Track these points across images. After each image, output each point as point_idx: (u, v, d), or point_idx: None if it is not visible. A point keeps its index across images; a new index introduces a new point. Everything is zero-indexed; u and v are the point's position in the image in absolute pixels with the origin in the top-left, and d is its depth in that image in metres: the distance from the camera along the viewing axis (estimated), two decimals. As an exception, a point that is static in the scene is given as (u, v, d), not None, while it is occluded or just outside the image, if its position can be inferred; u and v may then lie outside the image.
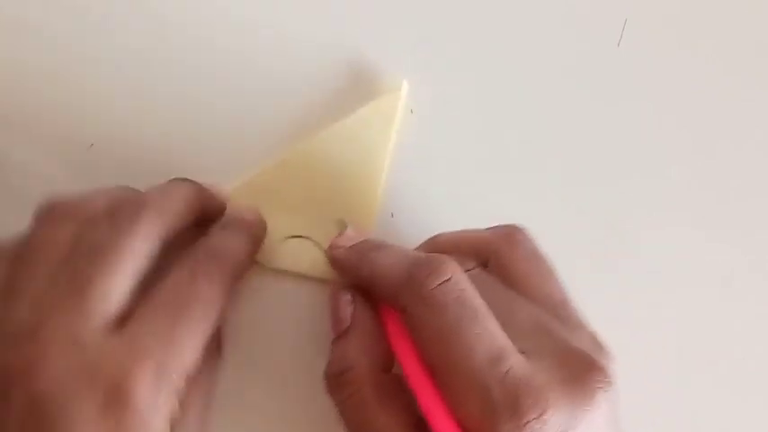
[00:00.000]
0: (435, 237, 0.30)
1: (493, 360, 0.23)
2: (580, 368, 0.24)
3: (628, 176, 0.33)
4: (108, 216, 0.26)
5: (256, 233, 0.30)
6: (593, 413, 0.23)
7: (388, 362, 0.27)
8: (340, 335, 0.27)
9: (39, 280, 0.25)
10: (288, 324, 0.31)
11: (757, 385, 0.32)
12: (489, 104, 0.33)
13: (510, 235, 0.28)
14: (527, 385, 0.23)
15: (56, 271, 0.25)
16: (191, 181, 0.29)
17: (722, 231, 0.33)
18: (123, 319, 0.24)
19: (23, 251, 0.26)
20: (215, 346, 0.28)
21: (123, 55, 0.33)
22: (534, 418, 0.22)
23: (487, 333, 0.24)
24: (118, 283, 0.25)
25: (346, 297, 0.28)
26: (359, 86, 0.33)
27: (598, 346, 0.26)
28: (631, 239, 0.33)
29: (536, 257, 0.28)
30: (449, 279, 0.25)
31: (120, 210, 0.26)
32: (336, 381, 0.26)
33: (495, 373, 0.23)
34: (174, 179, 0.29)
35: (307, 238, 0.31)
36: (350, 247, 0.28)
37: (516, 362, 0.23)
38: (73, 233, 0.26)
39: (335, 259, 0.29)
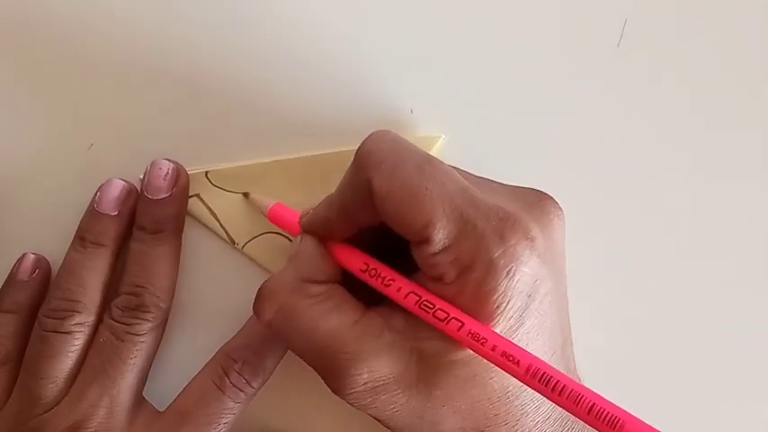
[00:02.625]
0: (324, 201, 0.29)
1: (464, 189, 0.25)
2: (534, 199, 0.27)
3: (627, 176, 0.33)
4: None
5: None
6: (556, 234, 0.26)
7: (317, 276, 0.27)
8: None
9: None
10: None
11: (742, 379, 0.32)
12: (488, 104, 0.33)
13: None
14: (502, 210, 0.25)
15: None
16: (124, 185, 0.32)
17: (722, 231, 0.33)
18: None
19: None
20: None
21: (124, 55, 0.33)
22: (522, 239, 0.24)
23: (449, 172, 0.25)
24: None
25: (297, 238, 0.29)
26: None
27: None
28: (630, 239, 0.33)
29: None
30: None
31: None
32: (260, 303, 0.27)
33: (470, 202, 0.25)
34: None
35: (286, 237, 0.32)
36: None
37: (482, 195, 0.25)
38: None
39: (310, 223, 0.29)
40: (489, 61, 0.33)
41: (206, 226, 0.32)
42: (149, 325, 0.30)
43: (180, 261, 0.32)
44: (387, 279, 0.26)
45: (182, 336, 0.33)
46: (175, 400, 0.31)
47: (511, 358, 0.24)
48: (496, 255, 0.24)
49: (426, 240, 0.25)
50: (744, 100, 0.33)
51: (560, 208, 0.27)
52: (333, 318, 0.26)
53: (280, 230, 0.32)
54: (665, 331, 0.33)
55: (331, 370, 0.26)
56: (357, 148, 0.26)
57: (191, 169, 0.32)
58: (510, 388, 0.26)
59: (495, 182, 0.28)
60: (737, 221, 0.33)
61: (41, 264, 0.32)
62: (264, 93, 0.33)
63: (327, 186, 0.31)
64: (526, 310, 0.25)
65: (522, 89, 0.33)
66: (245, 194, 0.32)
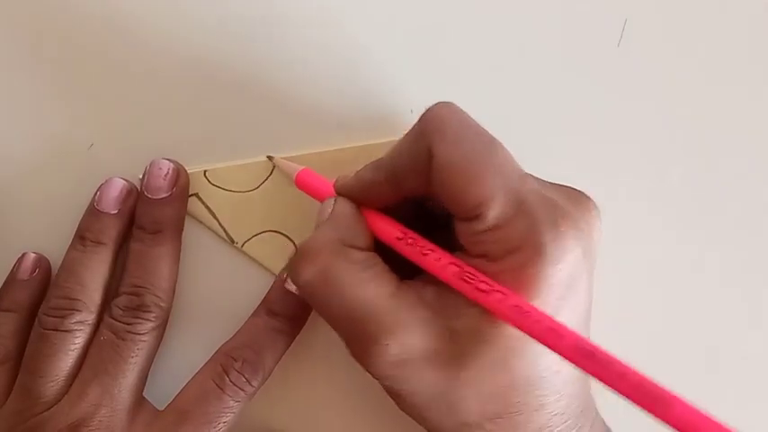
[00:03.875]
0: (368, 166, 0.28)
1: (521, 174, 0.25)
2: (577, 196, 0.27)
3: (627, 176, 0.33)
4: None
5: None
6: (596, 233, 0.26)
7: (358, 242, 0.27)
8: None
9: None
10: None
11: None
12: (488, 104, 0.33)
13: None
14: (554, 200, 0.25)
15: None
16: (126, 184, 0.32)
17: (722, 231, 0.33)
18: None
19: None
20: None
21: (124, 55, 0.33)
22: (572, 228, 0.24)
23: (510, 155, 0.26)
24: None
25: (328, 202, 0.28)
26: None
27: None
28: (630, 239, 0.33)
29: None
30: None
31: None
32: (297, 262, 0.26)
33: (526, 187, 0.25)
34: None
35: (285, 235, 0.32)
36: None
37: (536, 183, 0.25)
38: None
39: (349, 186, 0.28)
40: (489, 61, 0.33)
41: (205, 225, 0.33)
42: (151, 324, 0.30)
43: (180, 260, 0.32)
44: (426, 248, 0.26)
45: (181, 335, 0.33)
46: (175, 398, 0.31)
47: (556, 333, 0.23)
48: (547, 239, 0.24)
49: (478, 216, 0.24)
50: (744, 100, 0.33)
51: (598, 209, 0.27)
52: (371, 287, 0.25)
53: (279, 228, 0.32)
54: (659, 329, 0.33)
55: (361, 338, 0.25)
56: (422, 114, 0.26)
57: (189, 169, 0.32)
58: (533, 378, 0.25)
59: (538, 178, 0.28)
60: (738, 220, 0.33)
61: (42, 263, 0.32)
62: (264, 92, 0.33)
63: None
64: (563, 301, 0.24)
65: (522, 89, 0.33)
66: (269, 157, 0.32)
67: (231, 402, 0.30)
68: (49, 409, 0.29)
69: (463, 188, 0.24)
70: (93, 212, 0.31)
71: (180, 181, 0.31)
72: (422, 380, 0.25)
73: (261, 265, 0.32)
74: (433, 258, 0.25)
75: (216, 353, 0.31)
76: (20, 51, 0.33)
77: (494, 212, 0.24)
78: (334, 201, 0.28)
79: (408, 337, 0.25)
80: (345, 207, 0.27)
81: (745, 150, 0.33)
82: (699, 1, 0.33)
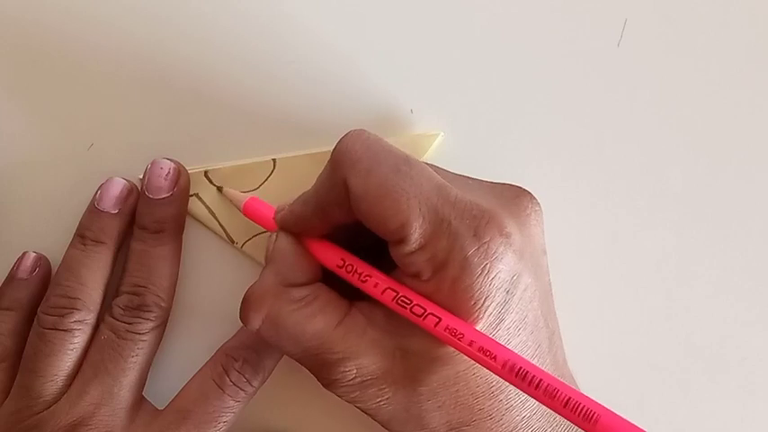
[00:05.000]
0: (300, 198, 0.29)
1: (439, 188, 0.25)
2: (510, 195, 0.27)
3: (627, 176, 0.33)
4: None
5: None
6: (534, 228, 0.27)
7: (299, 278, 0.27)
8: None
9: None
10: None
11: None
12: (488, 104, 0.33)
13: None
14: (477, 207, 0.25)
15: None
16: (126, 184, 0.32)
17: (722, 230, 0.33)
18: None
19: None
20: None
21: (124, 54, 0.33)
22: (496, 235, 0.25)
23: (425, 171, 0.25)
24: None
25: (272, 236, 0.29)
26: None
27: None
28: (630, 238, 0.33)
29: None
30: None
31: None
32: (246, 312, 0.27)
33: (445, 200, 0.25)
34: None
35: None
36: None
37: (458, 192, 0.25)
38: None
39: (285, 220, 0.29)
40: (489, 61, 0.33)
41: (205, 225, 0.33)
42: (151, 324, 0.30)
43: (180, 260, 0.32)
44: (363, 275, 0.27)
45: (181, 335, 0.33)
46: (175, 398, 0.31)
47: (488, 353, 0.24)
48: (470, 252, 0.24)
49: (402, 240, 0.25)
50: (744, 100, 0.33)
51: (538, 203, 0.27)
52: (318, 320, 0.26)
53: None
54: (651, 329, 0.33)
55: (321, 368, 0.26)
56: (335, 146, 0.26)
57: (190, 169, 0.32)
58: (494, 383, 0.26)
59: (473, 179, 0.29)
60: (736, 222, 0.33)
61: (42, 263, 0.32)
62: (264, 92, 0.33)
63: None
64: (505, 306, 0.25)
65: (522, 89, 0.33)
66: (219, 188, 0.32)
67: (231, 402, 0.30)
68: (49, 408, 0.29)
69: (381, 216, 0.25)
70: (93, 212, 0.31)
71: (181, 181, 0.32)
72: (384, 398, 0.26)
73: (261, 265, 0.32)
74: (372, 284, 0.26)
75: (216, 353, 0.31)
76: (20, 51, 0.33)
77: (415, 234, 0.25)
78: (276, 236, 0.28)
79: (361, 360, 0.26)
80: (284, 243, 0.28)
81: (745, 150, 0.33)
82: (699, 1, 0.33)
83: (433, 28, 0.33)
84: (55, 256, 0.32)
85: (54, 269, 0.32)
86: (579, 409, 0.23)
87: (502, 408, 0.26)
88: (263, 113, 0.33)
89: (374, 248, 0.27)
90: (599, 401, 0.23)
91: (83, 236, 0.31)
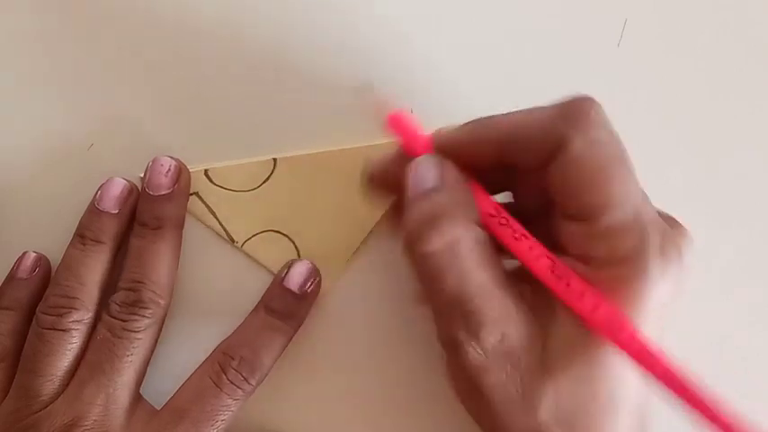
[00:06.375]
0: (481, 121, 0.26)
1: (644, 192, 0.25)
2: (678, 226, 0.26)
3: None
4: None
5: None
6: (688, 258, 0.25)
7: (476, 218, 0.25)
8: (420, 195, 0.25)
9: None
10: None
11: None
12: (488, 104, 0.33)
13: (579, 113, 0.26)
14: (664, 225, 0.25)
15: None
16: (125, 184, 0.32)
17: (722, 231, 0.33)
18: None
19: None
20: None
21: (123, 54, 0.33)
22: (676, 258, 0.24)
23: (634, 174, 0.25)
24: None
25: (432, 159, 0.26)
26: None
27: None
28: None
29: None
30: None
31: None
32: (428, 229, 0.24)
33: (647, 205, 0.24)
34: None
35: (285, 235, 0.32)
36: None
37: (650, 204, 0.25)
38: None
39: (453, 138, 0.26)
40: (489, 61, 0.33)
41: (205, 224, 0.33)
42: (147, 321, 0.30)
43: (179, 258, 0.32)
44: (519, 233, 0.24)
45: (180, 333, 0.33)
46: (173, 397, 0.30)
47: (649, 353, 0.22)
48: (654, 262, 0.24)
49: (594, 218, 0.24)
50: (744, 100, 0.33)
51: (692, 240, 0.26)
52: (488, 270, 0.24)
53: (279, 228, 0.32)
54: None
55: (464, 321, 0.24)
56: (566, 100, 0.25)
57: (190, 168, 0.32)
58: (617, 399, 0.24)
59: None
60: (736, 222, 0.33)
61: (42, 262, 0.32)
62: (264, 92, 0.33)
63: (327, 184, 0.31)
64: (653, 327, 0.24)
65: (522, 89, 0.33)
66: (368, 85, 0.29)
67: (229, 401, 0.30)
68: (46, 407, 0.29)
69: (591, 187, 0.24)
70: (93, 211, 0.31)
71: (181, 178, 0.32)
72: (507, 376, 0.24)
73: (260, 264, 0.32)
74: (525, 246, 0.24)
75: (214, 351, 0.31)
76: (19, 51, 0.33)
77: (611, 219, 0.24)
78: (440, 163, 0.26)
79: (510, 329, 0.24)
80: (457, 174, 0.26)
81: (745, 150, 0.33)
82: (699, 1, 0.33)
83: (433, 28, 0.33)
84: (55, 256, 0.32)
85: (54, 269, 0.32)
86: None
87: (607, 428, 0.24)
88: (263, 113, 0.33)
89: None
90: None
91: (82, 236, 0.31)
